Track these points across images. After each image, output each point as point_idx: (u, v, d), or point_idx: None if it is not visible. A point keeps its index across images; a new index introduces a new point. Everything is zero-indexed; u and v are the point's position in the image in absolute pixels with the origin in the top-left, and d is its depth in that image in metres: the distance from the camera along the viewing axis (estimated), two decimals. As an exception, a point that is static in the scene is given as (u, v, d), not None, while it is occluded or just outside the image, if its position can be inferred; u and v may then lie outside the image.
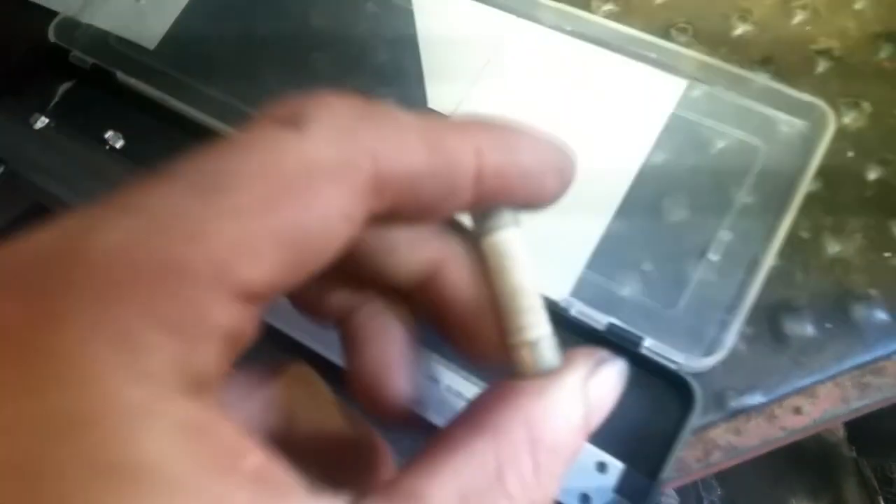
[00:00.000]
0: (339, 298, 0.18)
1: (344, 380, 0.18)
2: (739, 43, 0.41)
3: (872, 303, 0.34)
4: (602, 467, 0.30)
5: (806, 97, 0.36)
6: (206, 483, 0.11)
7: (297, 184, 0.12)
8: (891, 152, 0.37)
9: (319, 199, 0.12)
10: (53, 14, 0.46)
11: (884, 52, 0.39)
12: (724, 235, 0.35)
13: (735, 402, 0.33)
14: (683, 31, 0.42)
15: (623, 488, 0.30)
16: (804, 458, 1.18)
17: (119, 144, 0.42)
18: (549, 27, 0.41)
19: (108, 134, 0.42)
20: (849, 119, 0.38)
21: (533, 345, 0.16)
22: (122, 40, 0.45)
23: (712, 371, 0.34)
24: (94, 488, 0.10)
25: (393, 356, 0.18)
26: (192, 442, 0.11)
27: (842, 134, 0.37)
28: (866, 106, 0.38)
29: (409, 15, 0.43)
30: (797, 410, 0.34)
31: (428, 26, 0.42)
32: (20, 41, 0.47)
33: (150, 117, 0.42)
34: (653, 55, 0.39)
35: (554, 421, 0.15)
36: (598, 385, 0.16)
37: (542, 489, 0.14)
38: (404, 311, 0.18)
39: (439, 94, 0.41)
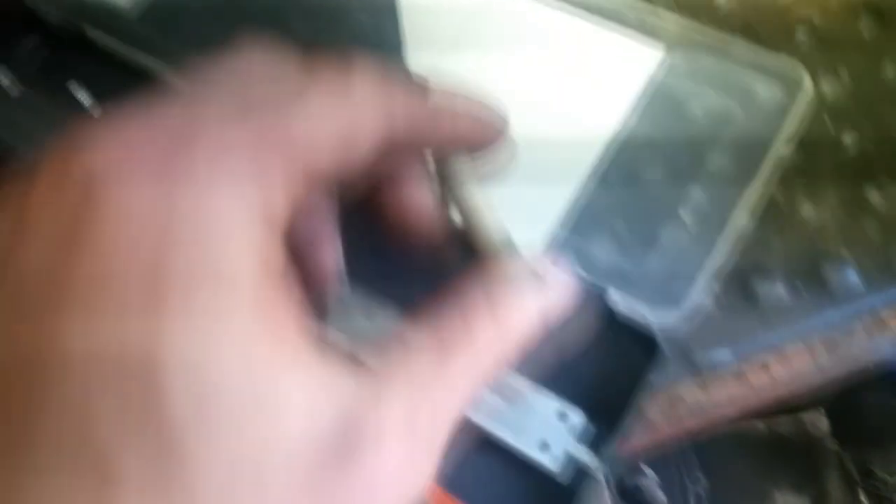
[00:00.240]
0: None
1: None
2: (719, 12, 0.41)
3: (845, 265, 0.34)
4: (563, 416, 0.30)
5: (784, 62, 0.36)
6: (262, 293, 0.15)
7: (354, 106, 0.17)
8: (867, 120, 0.37)
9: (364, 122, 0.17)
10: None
11: (863, 22, 0.39)
12: (698, 196, 0.35)
13: (702, 359, 0.34)
14: (666, -2, 0.42)
15: (583, 437, 0.30)
16: (788, 452, 1.18)
17: (87, 102, 0.41)
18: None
19: (76, 91, 0.41)
20: (827, 88, 0.38)
21: (497, 241, 0.20)
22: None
23: (680, 329, 0.34)
24: (194, 286, 0.14)
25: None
26: (260, 266, 0.15)
27: (820, 102, 0.37)
28: (844, 75, 0.39)
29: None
30: (765, 368, 0.34)
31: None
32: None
33: (119, 75, 0.41)
34: (631, 20, 0.39)
35: (511, 292, 0.19)
36: (553, 279, 0.20)
37: (502, 343, 0.19)
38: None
39: (418, 60, 0.41)
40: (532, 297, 0.19)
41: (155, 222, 0.14)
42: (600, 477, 0.29)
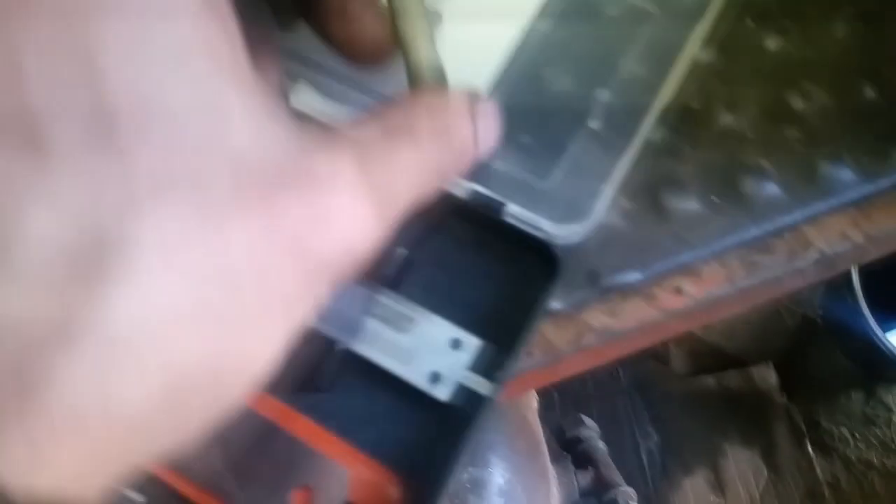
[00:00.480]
0: None
1: None
2: None
3: (764, 175, 0.32)
4: (456, 344, 0.27)
5: (703, -42, 0.33)
6: (204, 15, 0.15)
7: None
8: (791, 21, 0.34)
9: None
10: None
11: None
12: (606, 100, 0.32)
13: (609, 280, 0.30)
14: None
15: (477, 365, 0.27)
16: (738, 405, 1.18)
17: None
18: None
19: None
20: (751, -10, 0.35)
21: (433, 63, 0.22)
22: None
23: (585, 248, 0.31)
24: None
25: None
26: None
27: (744, 4, 0.34)
28: (770, -24, 0.35)
29: None
30: (678, 290, 0.31)
31: None
32: None
33: None
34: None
35: (451, 106, 0.20)
36: (484, 108, 0.21)
37: (441, 148, 0.19)
38: None
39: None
40: (466, 115, 0.20)
41: None
42: (494, 402, 0.26)
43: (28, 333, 0.13)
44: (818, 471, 1.04)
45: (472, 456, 0.54)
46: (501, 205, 0.29)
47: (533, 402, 0.63)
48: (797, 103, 0.33)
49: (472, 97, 0.21)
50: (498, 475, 0.52)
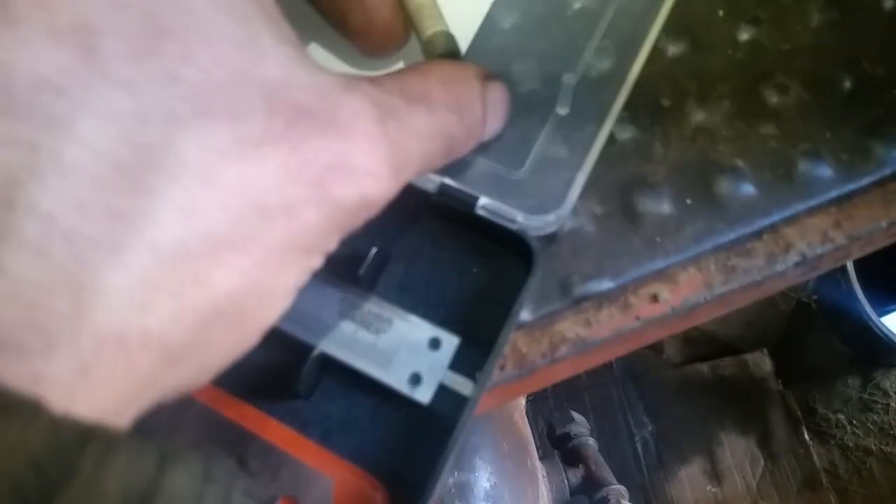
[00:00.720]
0: None
1: None
2: None
3: (739, 175, 0.30)
4: (435, 343, 0.26)
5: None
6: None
7: None
8: (764, 11, 0.32)
9: None
10: None
11: None
12: (573, 84, 0.30)
13: (581, 289, 0.29)
14: None
15: (457, 364, 0.26)
16: (733, 393, 1.17)
17: None
18: None
19: None
20: (725, -20, 0.34)
21: (445, 35, 0.23)
22: None
23: (557, 256, 0.30)
24: None
25: None
26: None
27: (717, -4, 0.33)
28: (744, -36, 0.34)
29: None
30: (654, 298, 0.30)
31: None
32: None
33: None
34: None
35: (462, 73, 0.21)
36: (492, 83, 0.22)
37: (453, 111, 0.20)
38: None
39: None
40: (479, 95, 0.21)
41: None
42: (476, 402, 0.25)
43: (78, 244, 0.12)
44: (815, 458, 1.03)
45: (457, 460, 0.53)
46: (475, 198, 0.28)
47: (521, 401, 0.62)
48: (772, 98, 0.31)
49: (486, 76, 0.22)
50: (484, 479, 0.51)
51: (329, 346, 0.26)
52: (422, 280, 0.28)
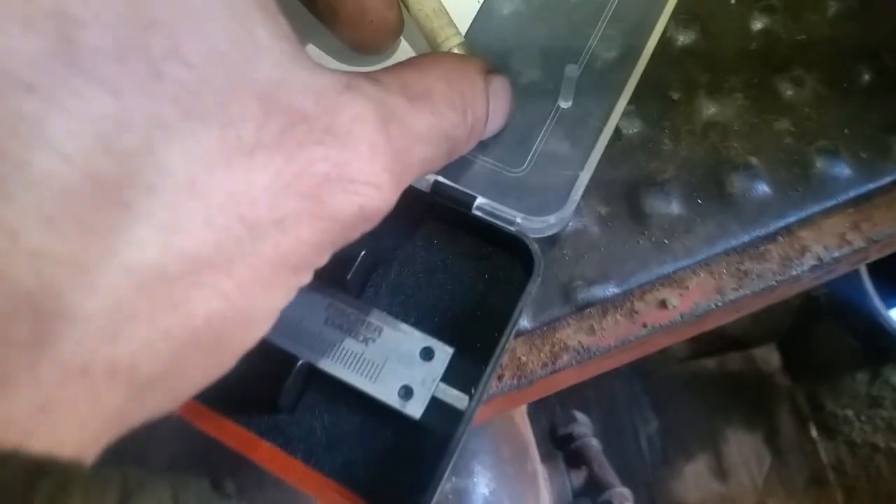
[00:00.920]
0: None
1: None
2: None
3: (752, 173, 0.29)
4: (428, 354, 0.24)
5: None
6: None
7: None
8: (780, 1, 0.31)
9: None
10: None
11: None
12: (575, 74, 0.28)
13: (585, 295, 0.28)
14: None
15: (451, 376, 0.24)
16: (740, 388, 1.16)
17: None
18: None
19: None
20: (737, -33, 0.32)
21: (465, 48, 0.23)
22: None
23: (558, 259, 0.28)
24: None
25: None
26: None
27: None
28: (757, -50, 0.32)
29: None
30: (662, 304, 0.28)
31: None
32: None
33: None
34: None
35: (462, 68, 0.20)
36: (496, 78, 0.22)
37: (455, 108, 0.19)
38: None
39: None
40: (482, 91, 0.20)
41: None
42: (472, 417, 0.23)
43: (42, 265, 0.11)
44: (822, 454, 1.02)
45: (454, 465, 0.52)
46: (471, 198, 0.26)
47: (523, 401, 0.61)
48: (787, 91, 0.30)
49: (489, 70, 0.21)
50: (482, 485, 0.49)
51: (314, 356, 0.24)
52: (414, 285, 0.26)
